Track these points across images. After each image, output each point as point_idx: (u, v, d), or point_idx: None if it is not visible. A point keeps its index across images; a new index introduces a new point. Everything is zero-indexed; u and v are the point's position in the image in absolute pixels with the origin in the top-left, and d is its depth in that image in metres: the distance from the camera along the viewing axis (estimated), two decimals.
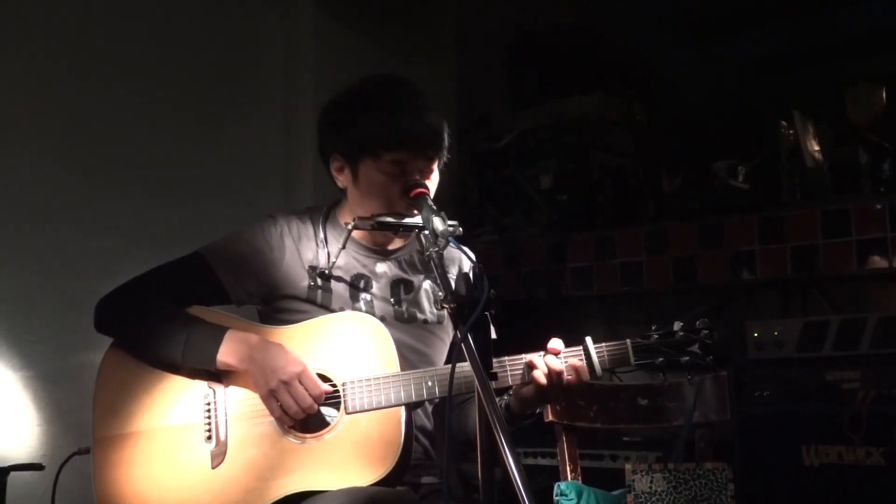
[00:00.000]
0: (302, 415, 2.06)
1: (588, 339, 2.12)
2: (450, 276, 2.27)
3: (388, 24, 4.00)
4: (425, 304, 2.29)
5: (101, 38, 3.21)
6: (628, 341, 2.12)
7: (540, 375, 2.06)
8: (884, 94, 3.61)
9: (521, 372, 2.10)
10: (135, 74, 3.29)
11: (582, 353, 2.11)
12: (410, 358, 2.19)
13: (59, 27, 3.12)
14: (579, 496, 2.47)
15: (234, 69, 3.61)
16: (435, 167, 2.20)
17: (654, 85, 4.54)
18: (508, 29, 4.60)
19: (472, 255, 2.10)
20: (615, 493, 2.56)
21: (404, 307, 2.27)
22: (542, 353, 2.11)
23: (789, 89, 4.36)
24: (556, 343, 2.11)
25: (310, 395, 2.05)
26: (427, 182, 2.16)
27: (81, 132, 3.15)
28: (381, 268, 2.28)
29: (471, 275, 1.79)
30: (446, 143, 2.21)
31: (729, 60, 4.71)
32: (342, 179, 2.26)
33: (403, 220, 2.10)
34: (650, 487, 2.45)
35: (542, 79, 4.56)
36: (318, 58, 3.75)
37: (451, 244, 1.91)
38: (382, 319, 2.18)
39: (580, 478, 2.62)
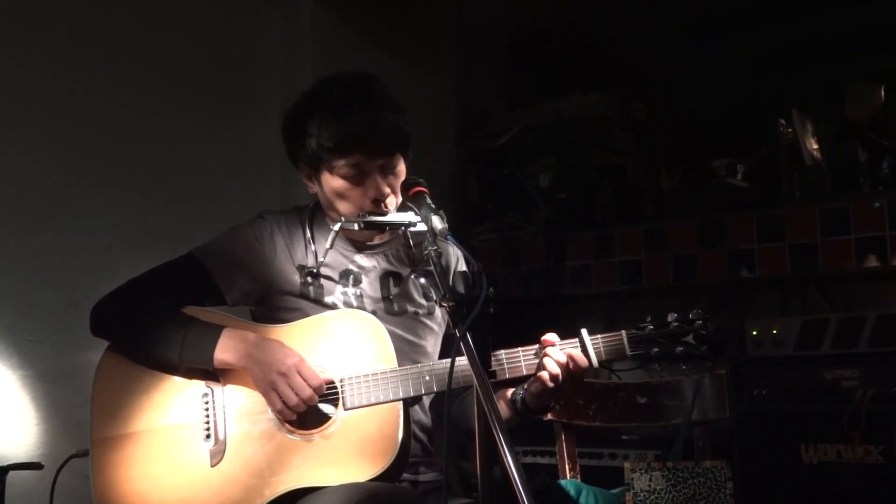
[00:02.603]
0: (303, 407, 2.06)
1: (584, 331, 2.13)
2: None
3: (387, 23, 4.00)
4: (415, 295, 2.30)
5: (98, 38, 3.21)
6: (623, 332, 2.13)
7: (553, 365, 2.07)
8: (882, 93, 3.61)
9: (519, 365, 2.11)
10: (132, 74, 3.28)
11: (578, 344, 2.11)
12: (404, 349, 2.20)
13: (57, 27, 3.12)
14: (578, 494, 2.47)
15: (233, 69, 3.61)
16: (397, 161, 2.20)
17: (652, 83, 4.54)
18: (508, 28, 4.60)
19: (466, 254, 2.10)
20: (614, 491, 2.56)
21: (394, 300, 2.28)
22: (535, 345, 2.12)
23: (788, 87, 4.36)
24: (550, 336, 2.12)
25: (309, 385, 2.05)
26: (391, 177, 2.17)
27: (80, 132, 3.15)
28: (369, 262, 2.29)
29: (469, 273, 1.79)
30: (403, 134, 2.20)
31: (728, 58, 4.71)
32: (311, 186, 2.28)
33: (391, 219, 2.11)
34: (649, 486, 2.45)
35: (541, 77, 4.56)
36: (318, 58, 3.75)
37: (449, 242, 1.92)
38: (374, 313, 2.19)
39: (579, 476, 2.62)
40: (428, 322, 2.31)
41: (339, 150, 2.15)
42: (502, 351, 2.12)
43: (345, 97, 2.19)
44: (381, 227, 2.17)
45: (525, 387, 2.19)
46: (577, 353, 2.10)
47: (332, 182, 2.19)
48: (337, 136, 2.14)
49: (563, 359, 2.08)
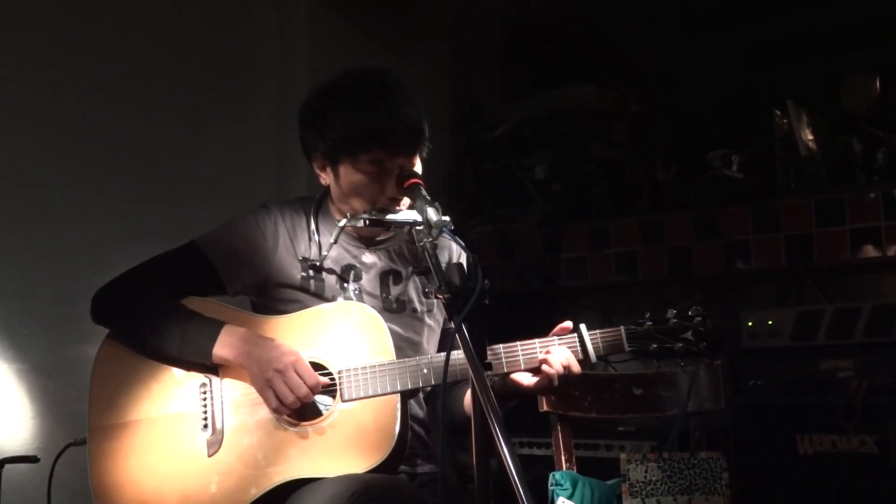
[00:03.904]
0: (298, 404, 2.06)
1: (582, 326, 2.13)
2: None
3: (382, 15, 3.99)
4: (413, 294, 2.30)
5: (93, 33, 3.20)
6: (622, 328, 2.13)
7: (553, 375, 2.08)
8: (877, 84, 3.61)
9: (516, 359, 2.11)
10: (128, 68, 3.28)
11: (576, 340, 2.11)
12: (402, 347, 2.20)
13: (53, 22, 3.11)
14: (574, 486, 2.47)
15: (228, 63, 3.60)
16: (416, 160, 2.19)
17: (648, 75, 4.54)
18: (502, 20, 4.59)
19: (464, 245, 2.10)
20: (610, 482, 2.56)
21: (393, 297, 2.28)
22: (534, 340, 2.11)
23: (783, 79, 4.36)
24: (566, 324, 2.13)
25: (305, 383, 2.05)
26: None
27: (75, 127, 3.14)
28: (371, 258, 2.29)
29: (465, 265, 1.79)
30: (426, 135, 2.19)
31: (723, 50, 4.70)
32: (325, 177, 2.27)
33: (396, 218, 2.10)
34: (645, 477, 2.46)
35: (536, 69, 4.55)
36: (313, 50, 3.74)
37: (444, 234, 1.91)
38: None
39: (575, 467, 2.62)
40: (426, 320, 2.31)
41: (365, 147, 2.14)
42: (500, 345, 2.12)
43: (372, 93, 2.17)
44: (386, 225, 2.17)
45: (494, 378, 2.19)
46: (573, 359, 2.10)
47: (351, 176, 2.18)
48: (364, 132, 2.13)
49: (566, 363, 2.08)
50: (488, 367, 1.94)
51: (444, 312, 2.30)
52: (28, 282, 2.98)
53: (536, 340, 2.13)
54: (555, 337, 2.13)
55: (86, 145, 3.16)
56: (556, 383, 2.09)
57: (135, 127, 3.28)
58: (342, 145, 2.16)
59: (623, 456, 2.52)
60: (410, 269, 2.31)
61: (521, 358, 2.12)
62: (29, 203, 3.02)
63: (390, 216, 2.12)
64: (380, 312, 2.20)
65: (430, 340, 2.32)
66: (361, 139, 2.14)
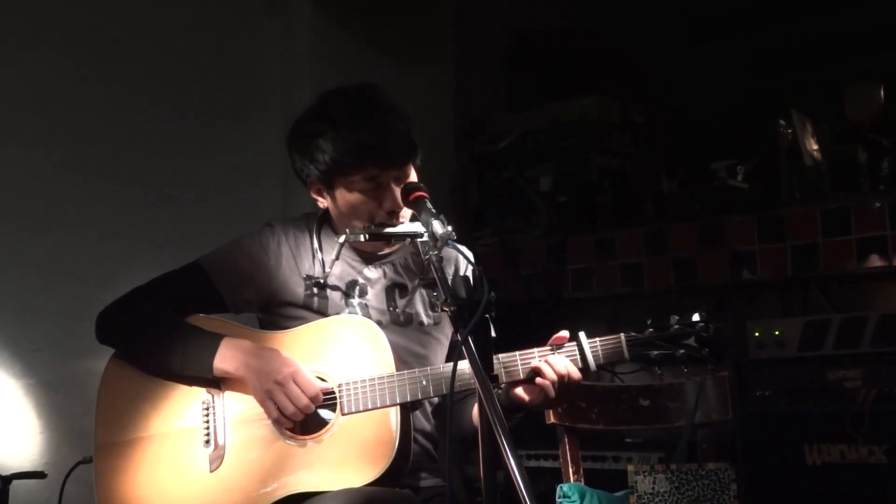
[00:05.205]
0: (300, 415, 2.07)
1: (581, 334, 2.11)
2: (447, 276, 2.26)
3: (385, 27, 4.01)
4: (420, 307, 2.30)
5: (99, 43, 3.22)
6: (622, 335, 2.10)
7: (548, 386, 2.06)
8: (882, 93, 3.61)
9: (515, 369, 2.09)
10: (133, 79, 3.30)
11: (575, 348, 2.10)
12: (409, 361, 2.19)
13: (58, 32, 3.13)
14: (582, 498, 2.46)
15: (232, 74, 3.62)
16: (409, 171, 2.19)
17: (651, 85, 4.55)
18: (506, 31, 4.60)
19: (471, 257, 2.10)
20: (618, 494, 2.55)
21: (400, 311, 2.27)
22: (534, 349, 2.10)
23: (787, 88, 4.36)
24: (563, 334, 2.11)
25: (305, 394, 2.06)
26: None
27: (81, 139, 3.16)
28: (375, 273, 2.29)
29: (471, 277, 1.79)
30: (415, 143, 2.20)
31: (727, 60, 4.71)
32: (322, 202, 2.26)
33: (396, 230, 2.10)
34: (653, 488, 2.45)
35: (540, 81, 4.56)
36: (316, 61, 3.75)
37: (450, 246, 1.91)
38: (379, 324, 2.18)
39: (583, 479, 2.61)
40: (434, 333, 2.30)
41: (356, 165, 2.14)
42: (499, 355, 2.10)
43: (356, 110, 2.17)
44: (386, 238, 2.17)
45: (500, 388, 2.17)
46: (572, 367, 2.08)
47: (348, 196, 2.18)
48: (353, 150, 2.13)
49: (563, 371, 2.07)
50: (494, 379, 1.94)
51: (451, 325, 2.29)
52: (35, 297, 2.99)
53: (535, 350, 2.11)
54: (553, 346, 2.12)
55: (92, 160, 3.18)
56: (552, 394, 2.06)
57: (140, 141, 3.30)
58: (334, 166, 2.16)
59: (631, 467, 2.52)
60: (416, 281, 2.31)
61: (519, 367, 2.10)
62: (35, 218, 3.03)
63: (390, 229, 2.12)
64: (388, 326, 2.20)
65: (438, 354, 2.31)
66: (352, 157, 2.13)
